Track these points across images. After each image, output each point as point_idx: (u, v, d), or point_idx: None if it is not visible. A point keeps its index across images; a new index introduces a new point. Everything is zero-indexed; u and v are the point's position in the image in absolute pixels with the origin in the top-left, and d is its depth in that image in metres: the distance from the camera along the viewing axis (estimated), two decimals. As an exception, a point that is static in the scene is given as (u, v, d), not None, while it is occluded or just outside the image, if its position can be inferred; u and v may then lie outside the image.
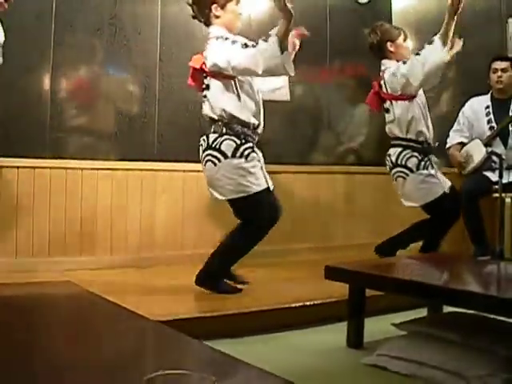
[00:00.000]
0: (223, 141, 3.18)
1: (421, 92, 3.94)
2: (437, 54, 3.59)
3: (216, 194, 3.25)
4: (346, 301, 2.71)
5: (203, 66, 3.27)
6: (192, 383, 0.92)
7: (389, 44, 3.93)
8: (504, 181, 3.87)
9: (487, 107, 4.41)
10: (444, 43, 3.58)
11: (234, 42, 3.17)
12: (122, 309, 1.80)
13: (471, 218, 4.13)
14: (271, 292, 3.33)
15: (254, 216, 3.22)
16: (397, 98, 3.89)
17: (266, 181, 3.27)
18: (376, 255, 4.02)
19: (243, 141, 3.19)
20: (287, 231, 4.29)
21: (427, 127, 3.93)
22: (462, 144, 4.48)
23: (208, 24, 3.33)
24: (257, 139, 3.30)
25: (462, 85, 5.02)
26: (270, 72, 3.08)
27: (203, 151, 3.26)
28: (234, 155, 3.16)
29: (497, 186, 3.91)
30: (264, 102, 3.41)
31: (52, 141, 3.97)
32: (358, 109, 5.27)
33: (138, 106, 4.33)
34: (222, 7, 3.27)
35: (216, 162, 3.19)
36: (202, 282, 3.23)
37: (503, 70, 4.35)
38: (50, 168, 3.91)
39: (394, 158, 3.92)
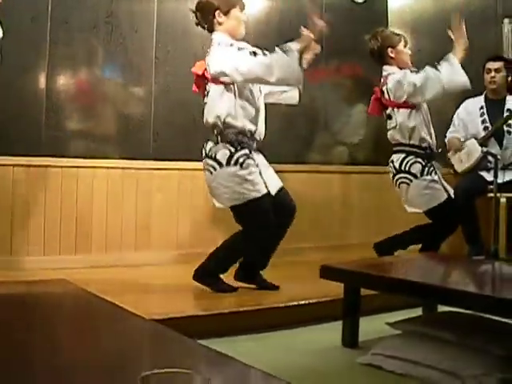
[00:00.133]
0: (218, 149, 3.19)
1: None
2: (459, 77, 3.64)
3: (215, 202, 3.28)
4: (341, 300, 2.71)
5: (205, 73, 3.26)
6: (186, 382, 0.92)
7: (389, 50, 3.94)
8: (499, 181, 3.88)
9: (481, 108, 4.41)
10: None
11: (240, 48, 3.18)
12: (117, 307, 1.80)
13: (467, 218, 4.13)
14: (267, 291, 3.32)
15: (254, 222, 3.22)
16: (400, 106, 3.89)
17: (266, 186, 3.25)
18: (374, 253, 4.03)
19: (238, 148, 3.19)
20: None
21: (430, 134, 3.95)
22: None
23: (211, 30, 3.33)
24: (255, 145, 3.28)
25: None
26: (282, 82, 3.20)
27: (202, 159, 3.28)
28: (228, 163, 3.17)
29: (492, 186, 3.92)
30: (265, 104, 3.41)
31: (48, 139, 3.97)
32: (354, 108, 5.28)
33: (133, 105, 4.33)
34: (226, 14, 3.27)
35: (212, 170, 3.21)
36: (199, 278, 3.26)
37: (496, 71, 4.35)
38: (46, 166, 3.91)
39: (397, 164, 3.92)
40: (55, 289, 2.13)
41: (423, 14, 5.27)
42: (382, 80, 3.99)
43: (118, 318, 1.72)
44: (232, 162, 3.17)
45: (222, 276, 3.31)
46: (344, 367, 2.43)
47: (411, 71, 3.84)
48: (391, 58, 3.95)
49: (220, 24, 3.28)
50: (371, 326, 2.75)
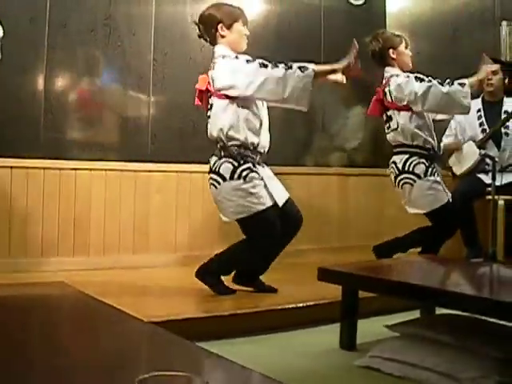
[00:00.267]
0: (221, 164, 3.19)
1: None
2: (462, 101, 3.67)
3: (222, 216, 3.28)
4: (339, 302, 2.71)
5: (208, 86, 3.25)
6: (184, 385, 0.92)
7: (391, 51, 3.94)
8: (497, 183, 3.87)
9: (478, 110, 4.41)
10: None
11: (248, 61, 3.15)
12: (115, 310, 1.80)
13: (465, 220, 4.13)
14: (265, 293, 3.32)
15: (260, 234, 3.22)
16: (401, 109, 3.88)
17: (273, 198, 3.25)
18: (373, 255, 4.02)
19: (241, 162, 3.18)
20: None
21: (432, 136, 3.95)
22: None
23: (213, 43, 3.33)
24: (258, 158, 3.26)
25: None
26: (291, 100, 3.13)
27: (208, 174, 3.29)
28: (232, 177, 3.17)
29: (490, 188, 3.92)
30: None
31: (46, 141, 3.96)
32: (353, 111, 5.28)
33: (131, 107, 4.33)
34: (228, 27, 3.27)
35: (217, 185, 3.21)
36: (202, 276, 3.29)
37: (493, 73, 4.36)
38: (44, 168, 3.90)
39: (400, 165, 3.90)
40: (53, 291, 2.13)
41: (421, 16, 5.28)
42: (383, 81, 3.99)
43: (116, 321, 1.72)
44: (235, 176, 3.17)
45: (222, 278, 3.32)
46: (342, 370, 2.43)
47: (416, 78, 3.80)
48: (392, 59, 3.95)
49: (222, 37, 3.27)
50: (369, 329, 2.75)
